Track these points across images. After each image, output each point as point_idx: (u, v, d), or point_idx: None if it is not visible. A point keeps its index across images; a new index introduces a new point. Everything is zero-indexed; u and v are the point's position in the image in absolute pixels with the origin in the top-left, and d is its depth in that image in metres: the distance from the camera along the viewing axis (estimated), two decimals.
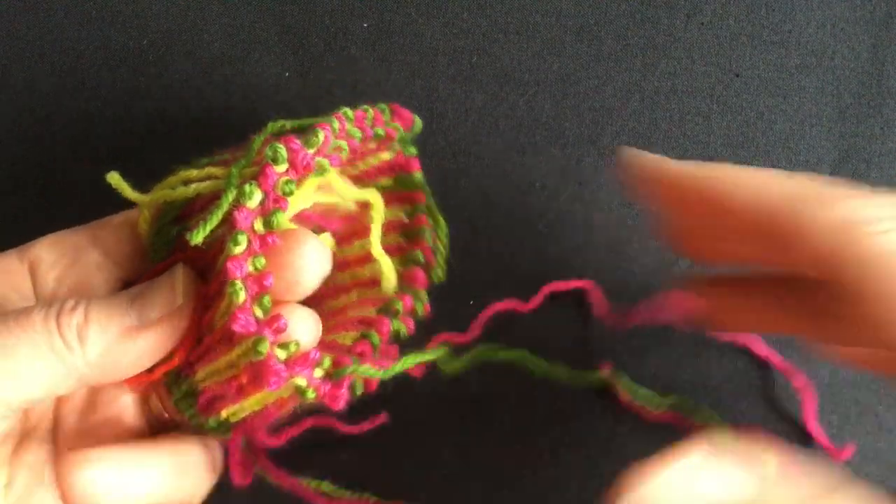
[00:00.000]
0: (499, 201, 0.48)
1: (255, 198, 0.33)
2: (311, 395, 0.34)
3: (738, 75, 0.49)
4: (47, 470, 0.38)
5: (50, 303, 0.35)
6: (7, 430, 0.37)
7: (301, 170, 0.34)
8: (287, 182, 0.34)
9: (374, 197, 0.40)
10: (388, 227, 0.41)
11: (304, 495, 0.41)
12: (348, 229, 0.41)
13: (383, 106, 0.39)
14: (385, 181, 0.42)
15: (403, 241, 0.42)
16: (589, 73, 0.49)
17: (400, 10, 0.49)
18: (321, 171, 0.35)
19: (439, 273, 0.41)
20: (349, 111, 0.36)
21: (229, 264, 0.32)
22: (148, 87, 0.48)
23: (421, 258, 0.41)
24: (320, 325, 0.37)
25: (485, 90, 0.49)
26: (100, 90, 0.48)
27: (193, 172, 0.37)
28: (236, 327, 0.32)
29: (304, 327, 0.36)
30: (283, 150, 0.33)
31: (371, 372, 0.36)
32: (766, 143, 0.49)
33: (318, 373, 0.34)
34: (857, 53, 0.49)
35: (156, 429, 0.41)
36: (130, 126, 0.48)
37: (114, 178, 0.38)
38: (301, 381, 0.33)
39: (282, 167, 0.33)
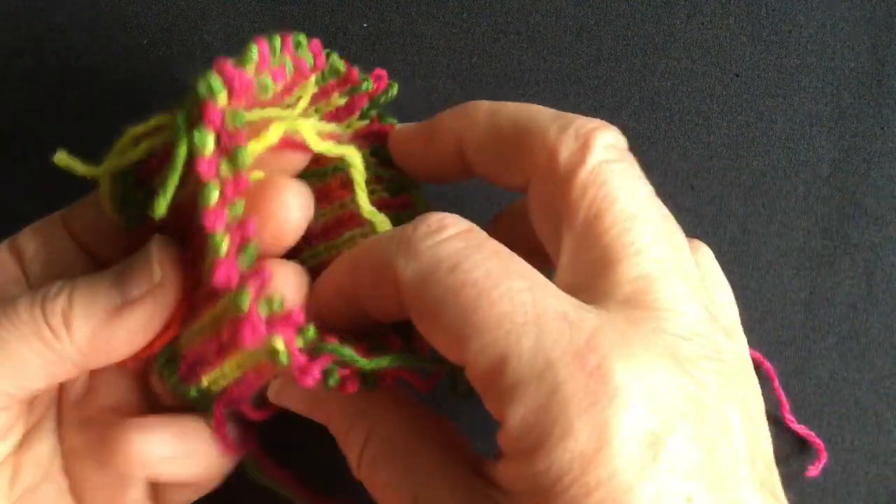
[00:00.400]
0: (499, 201, 0.48)
1: (209, 142, 0.30)
2: (283, 360, 0.30)
3: (737, 75, 0.49)
4: (55, 463, 0.39)
5: (35, 290, 0.35)
6: (10, 424, 0.37)
7: (242, 93, 0.31)
8: (233, 113, 0.30)
9: (351, 153, 0.37)
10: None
11: (289, 486, 0.40)
12: (320, 195, 0.38)
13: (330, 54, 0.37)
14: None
15: (387, 196, 0.39)
16: (589, 73, 0.49)
17: (400, 10, 0.49)
18: (264, 90, 0.32)
19: None
20: (276, 36, 0.33)
21: (206, 218, 0.30)
22: (148, 87, 0.48)
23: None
24: (307, 283, 0.35)
25: (485, 90, 0.49)
26: (100, 90, 0.48)
27: (139, 129, 0.34)
28: (217, 281, 0.30)
29: (290, 283, 0.34)
30: (216, 79, 0.30)
31: (355, 358, 0.32)
32: (766, 143, 0.49)
33: (300, 342, 0.31)
34: (857, 53, 0.49)
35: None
36: (130, 125, 0.48)
37: (61, 159, 0.35)
38: (279, 344, 0.30)
39: (222, 98, 0.30)
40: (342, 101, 0.39)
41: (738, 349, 0.33)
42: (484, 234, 0.31)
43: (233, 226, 0.31)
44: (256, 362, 0.33)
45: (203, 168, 0.30)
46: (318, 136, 0.36)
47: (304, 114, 0.37)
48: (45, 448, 0.39)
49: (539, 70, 0.49)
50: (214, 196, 0.30)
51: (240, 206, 0.31)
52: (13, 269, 0.39)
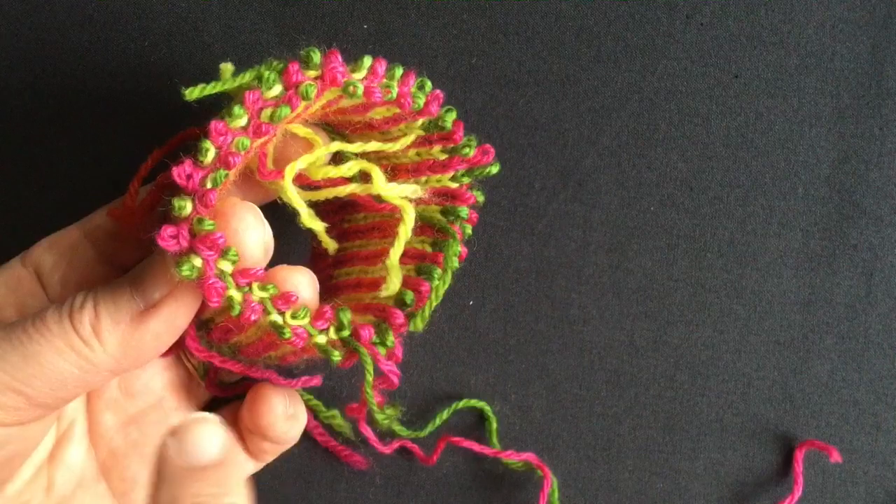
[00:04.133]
0: (499, 201, 0.49)
1: (276, 88, 0.35)
2: (236, 310, 0.33)
3: (737, 76, 0.49)
4: (89, 469, 0.39)
5: (61, 303, 0.35)
6: (43, 434, 0.37)
7: (329, 81, 0.35)
8: (308, 86, 0.35)
9: (407, 207, 0.39)
10: (406, 252, 0.40)
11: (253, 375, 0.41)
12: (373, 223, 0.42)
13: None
14: (433, 208, 0.41)
15: (429, 248, 0.41)
16: (588, 74, 0.49)
17: (400, 11, 0.49)
18: (351, 93, 0.35)
19: (418, 322, 0.38)
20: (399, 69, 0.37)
21: (175, 171, 0.33)
22: (149, 89, 0.48)
23: (411, 299, 0.39)
24: (317, 285, 0.37)
25: (484, 91, 0.49)
26: (101, 92, 0.48)
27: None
28: (163, 243, 0.32)
29: (305, 284, 0.36)
30: (316, 53, 0.35)
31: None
32: (766, 143, 0.49)
33: (261, 296, 0.34)
34: (857, 54, 0.49)
35: (200, 405, 0.43)
36: (131, 127, 0.48)
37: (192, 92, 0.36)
38: (236, 294, 0.33)
39: (312, 70, 0.35)
40: (441, 157, 0.40)
41: None
42: None
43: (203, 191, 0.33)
44: (264, 334, 0.36)
45: (247, 99, 0.34)
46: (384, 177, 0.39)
47: (405, 151, 0.40)
48: (77, 455, 0.39)
49: (539, 70, 0.49)
50: (240, 122, 0.34)
51: (223, 174, 0.34)
52: (30, 283, 0.39)
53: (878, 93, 0.49)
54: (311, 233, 0.40)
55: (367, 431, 0.44)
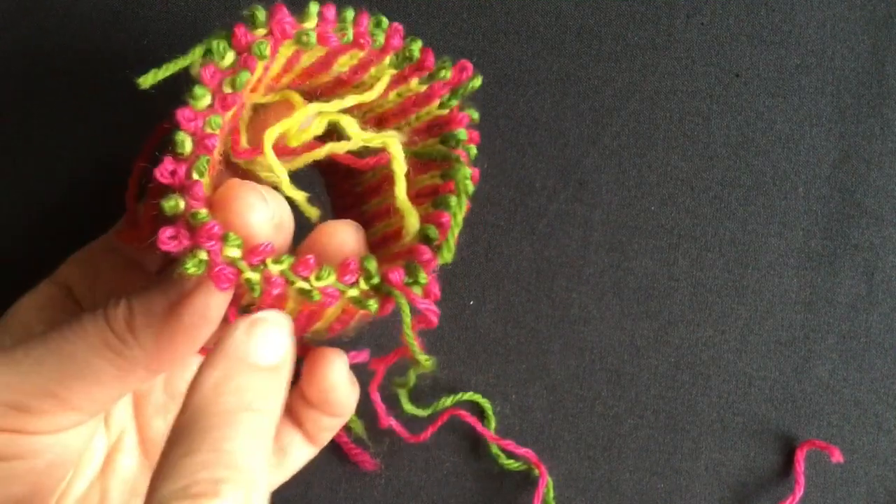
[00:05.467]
0: (499, 201, 0.48)
1: (228, 56, 0.34)
2: (256, 290, 0.33)
3: (737, 75, 0.49)
4: (142, 479, 0.39)
5: (95, 309, 0.35)
6: (88, 443, 0.37)
7: (280, 33, 0.34)
8: (260, 44, 0.34)
9: (392, 143, 0.38)
10: (420, 192, 0.40)
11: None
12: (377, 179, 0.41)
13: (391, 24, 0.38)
14: (431, 142, 0.40)
15: (439, 181, 0.40)
16: (589, 74, 0.49)
17: (399, 10, 0.49)
18: (304, 43, 0.35)
19: (445, 254, 0.38)
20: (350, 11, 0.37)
21: (180, 116, 0.33)
22: (149, 89, 0.48)
23: (434, 234, 0.38)
24: (363, 237, 0.37)
25: (484, 90, 0.48)
26: (99, 90, 0.48)
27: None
28: (165, 247, 0.32)
29: (350, 237, 0.36)
30: (261, 10, 0.34)
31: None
32: (766, 143, 0.49)
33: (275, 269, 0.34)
34: (857, 53, 0.49)
35: None
36: (132, 127, 0.48)
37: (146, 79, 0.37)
38: (252, 275, 0.33)
39: (259, 29, 0.34)
40: (422, 88, 0.39)
41: None
42: None
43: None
44: (301, 304, 0.35)
45: (205, 76, 0.34)
46: (356, 123, 0.38)
47: (384, 95, 0.39)
48: (129, 465, 0.39)
49: (539, 70, 0.49)
50: (204, 102, 0.34)
51: (217, 120, 0.34)
52: (61, 300, 0.40)
53: (879, 92, 0.49)
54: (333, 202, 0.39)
55: (376, 397, 0.44)
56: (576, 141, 0.49)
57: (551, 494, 0.46)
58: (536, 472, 0.46)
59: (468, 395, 0.47)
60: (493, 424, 0.47)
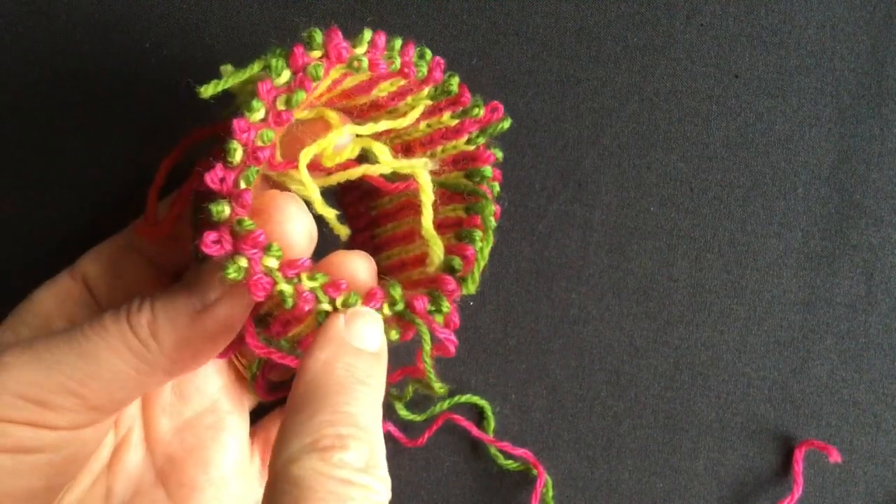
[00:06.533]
0: (499, 202, 0.49)
1: (284, 74, 0.35)
2: (289, 302, 0.34)
3: (737, 76, 0.49)
4: (147, 476, 0.40)
5: (117, 308, 0.35)
6: (101, 439, 0.37)
7: (335, 57, 0.35)
8: (315, 67, 0.35)
9: (420, 173, 0.39)
10: (442, 223, 0.41)
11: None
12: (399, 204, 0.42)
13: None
14: (455, 174, 0.41)
15: (464, 214, 0.41)
16: (588, 75, 0.49)
17: (400, 11, 0.49)
18: (357, 67, 0.36)
19: (469, 285, 0.39)
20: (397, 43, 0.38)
21: (209, 177, 0.33)
22: (150, 90, 0.48)
23: (459, 265, 0.39)
24: (374, 269, 0.37)
25: (484, 91, 0.49)
26: (102, 92, 0.48)
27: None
28: (208, 250, 0.33)
29: (362, 268, 0.36)
30: (318, 34, 0.35)
31: (310, 283, 0.34)
32: (766, 143, 0.49)
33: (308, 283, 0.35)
34: (857, 54, 0.49)
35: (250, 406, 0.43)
36: (133, 128, 0.48)
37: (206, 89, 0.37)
38: (286, 287, 0.34)
39: (316, 53, 0.35)
40: (452, 122, 0.41)
41: None
42: None
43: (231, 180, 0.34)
44: (312, 327, 0.36)
45: (262, 90, 0.34)
46: (388, 150, 0.39)
47: (415, 124, 0.41)
48: (134, 462, 0.40)
49: (539, 71, 0.49)
50: (259, 115, 0.34)
51: (269, 134, 0.34)
52: (80, 293, 0.40)
53: (879, 93, 0.49)
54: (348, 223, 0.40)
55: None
56: (575, 142, 0.49)
57: (550, 494, 0.47)
58: (535, 471, 0.47)
59: (465, 398, 0.48)
60: (491, 425, 0.48)
